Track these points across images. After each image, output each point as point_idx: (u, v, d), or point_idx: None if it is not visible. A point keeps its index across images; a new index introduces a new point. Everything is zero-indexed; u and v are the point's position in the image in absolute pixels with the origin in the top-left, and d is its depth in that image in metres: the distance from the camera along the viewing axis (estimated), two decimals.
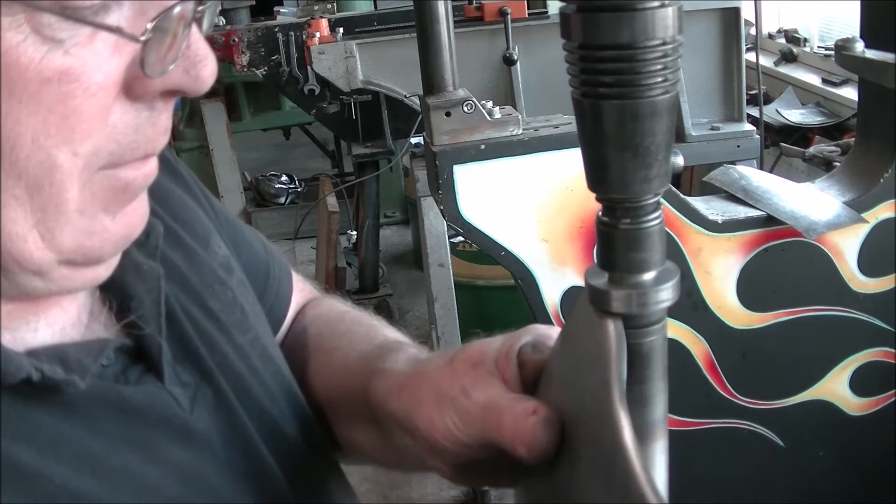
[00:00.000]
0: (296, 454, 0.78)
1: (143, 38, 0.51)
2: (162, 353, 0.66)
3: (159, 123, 0.57)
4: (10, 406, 0.56)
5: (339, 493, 0.85)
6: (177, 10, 0.52)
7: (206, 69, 0.56)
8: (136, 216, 0.60)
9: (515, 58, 2.85)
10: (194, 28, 0.55)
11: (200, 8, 0.55)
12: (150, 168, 0.59)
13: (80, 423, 0.59)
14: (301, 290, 1.01)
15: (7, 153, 0.50)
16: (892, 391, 1.66)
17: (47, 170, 0.51)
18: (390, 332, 0.91)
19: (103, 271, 0.61)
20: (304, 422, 0.81)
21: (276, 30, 3.49)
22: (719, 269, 1.57)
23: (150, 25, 0.51)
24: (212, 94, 4.71)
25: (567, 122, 1.52)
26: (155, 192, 0.64)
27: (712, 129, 2.84)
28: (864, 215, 1.55)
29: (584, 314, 0.58)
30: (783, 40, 3.81)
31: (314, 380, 0.89)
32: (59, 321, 0.63)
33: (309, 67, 3.29)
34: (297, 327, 0.97)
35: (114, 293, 0.66)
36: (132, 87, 0.54)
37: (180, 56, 0.54)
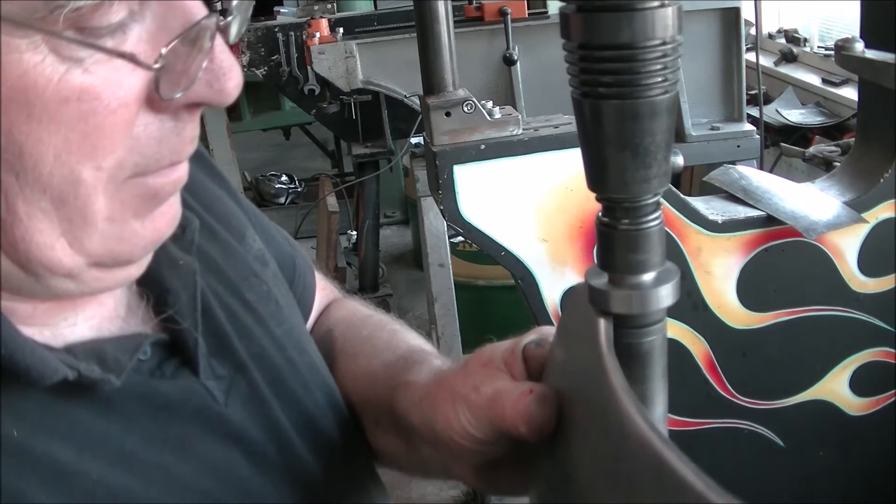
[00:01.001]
0: (330, 447, 0.78)
1: (155, 66, 0.51)
2: (198, 348, 0.67)
3: (185, 134, 0.57)
4: (47, 404, 0.57)
5: (373, 488, 0.85)
6: (201, 23, 0.52)
7: (230, 82, 0.55)
8: (164, 220, 0.60)
9: (515, 58, 2.84)
10: (219, 39, 0.54)
11: (225, 20, 0.55)
12: (179, 174, 0.59)
13: (115, 420, 0.60)
14: (323, 289, 1.01)
15: (31, 170, 0.50)
16: (892, 391, 1.66)
17: (71, 184, 0.52)
18: (412, 339, 0.91)
19: (135, 270, 0.61)
20: (339, 414, 0.82)
21: (276, 30, 3.48)
22: (719, 269, 1.57)
23: (164, 51, 0.51)
24: None
25: (567, 122, 1.52)
26: (190, 187, 0.65)
27: (712, 129, 2.84)
28: (864, 215, 1.55)
29: (578, 308, 0.58)
30: (783, 40, 3.81)
31: (339, 383, 0.90)
32: (97, 315, 0.63)
33: (309, 67, 3.29)
34: (321, 328, 0.98)
35: (150, 287, 0.67)
36: (155, 101, 0.54)
37: (202, 69, 0.54)
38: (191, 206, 0.71)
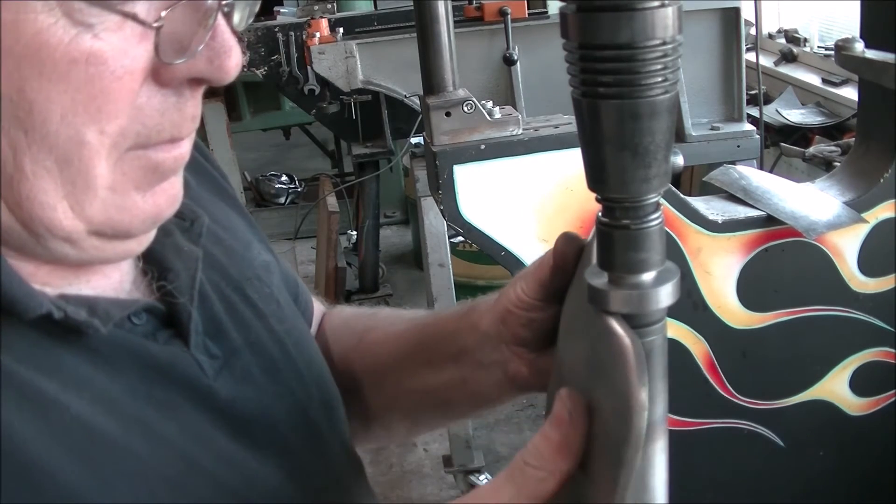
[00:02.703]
0: (319, 440, 0.80)
1: (155, 25, 0.54)
2: (191, 321, 0.68)
3: (186, 110, 0.60)
4: (36, 342, 0.58)
5: (357, 488, 0.87)
6: (206, 2, 0.55)
7: (230, 60, 0.58)
8: (165, 197, 0.62)
9: (515, 58, 2.84)
10: (222, 20, 0.57)
11: (227, 1, 0.57)
12: (181, 151, 0.62)
13: (101, 368, 0.62)
14: (318, 306, 1.05)
15: (38, 127, 0.53)
16: (892, 391, 1.66)
17: (75, 146, 0.54)
18: None
19: (135, 246, 0.64)
20: (332, 412, 0.84)
21: (276, 30, 3.49)
22: (719, 269, 1.57)
23: (163, 13, 0.54)
24: (211, 93, 4.72)
25: (567, 122, 1.52)
26: (198, 201, 0.68)
27: (712, 129, 2.84)
28: (864, 215, 1.55)
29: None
30: (783, 40, 3.81)
31: (365, 357, 0.95)
32: (101, 286, 0.65)
33: (309, 67, 3.29)
34: (326, 328, 1.01)
35: (154, 265, 0.70)
36: (159, 73, 0.57)
37: (204, 46, 0.56)
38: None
